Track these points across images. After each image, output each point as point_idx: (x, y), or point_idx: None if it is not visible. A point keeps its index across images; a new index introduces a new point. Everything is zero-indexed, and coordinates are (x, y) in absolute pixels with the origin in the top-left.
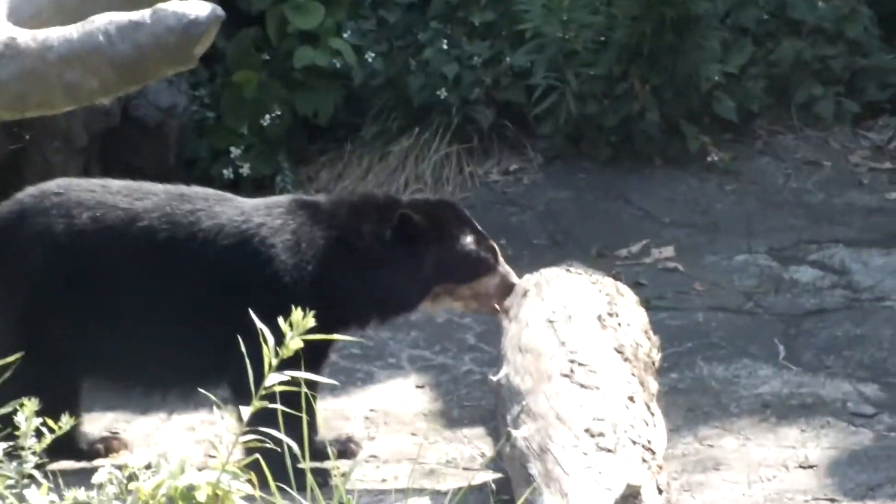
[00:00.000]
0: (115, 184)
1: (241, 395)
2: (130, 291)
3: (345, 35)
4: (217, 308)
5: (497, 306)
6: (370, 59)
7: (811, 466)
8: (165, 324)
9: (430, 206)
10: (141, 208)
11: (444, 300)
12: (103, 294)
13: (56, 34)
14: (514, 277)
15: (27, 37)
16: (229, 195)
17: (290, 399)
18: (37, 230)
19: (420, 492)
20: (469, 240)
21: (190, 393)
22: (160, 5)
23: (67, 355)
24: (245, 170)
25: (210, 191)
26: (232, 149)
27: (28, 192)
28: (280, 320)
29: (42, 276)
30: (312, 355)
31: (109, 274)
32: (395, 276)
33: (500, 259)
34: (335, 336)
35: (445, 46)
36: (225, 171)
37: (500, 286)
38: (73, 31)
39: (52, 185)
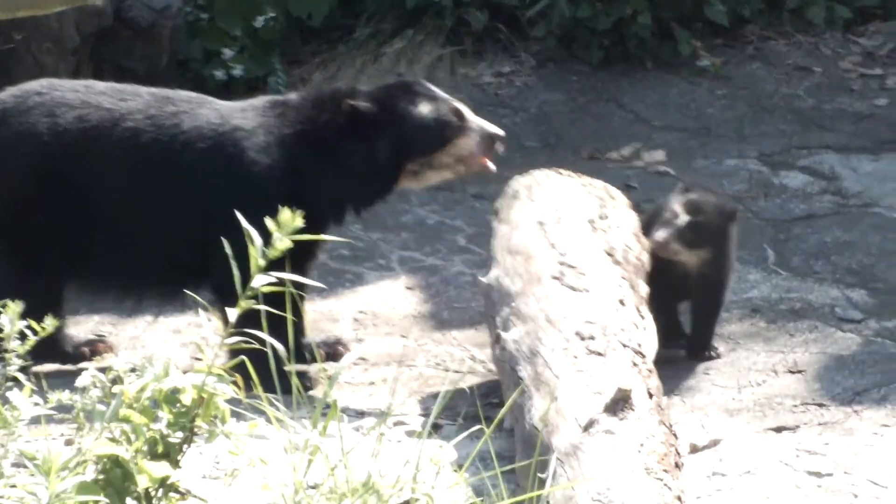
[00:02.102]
0: (100, 85)
1: (224, 297)
2: (113, 191)
3: None
4: (197, 209)
5: (486, 162)
6: None
7: (799, 371)
8: (146, 224)
9: (384, 90)
10: (126, 109)
11: (426, 174)
12: (86, 193)
13: None
14: (491, 127)
15: None
16: (211, 98)
17: (278, 301)
18: (19, 130)
19: (410, 395)
20: (426, 110)
21: (168, 295)
22: None
23: (49, 255)
24: (238, 71)
25: (194, 94)
26: (225, 50)
27: (10, 92)
28: (267, 220)
29: (24, 176)
30: (298, 256)
31: (92, 174)
32: (359, 163)
33: (470, 116)
34: (323, 236)
35: None
36: (217, 73)
37: (480, 142)
38: None
39: (36, 84)
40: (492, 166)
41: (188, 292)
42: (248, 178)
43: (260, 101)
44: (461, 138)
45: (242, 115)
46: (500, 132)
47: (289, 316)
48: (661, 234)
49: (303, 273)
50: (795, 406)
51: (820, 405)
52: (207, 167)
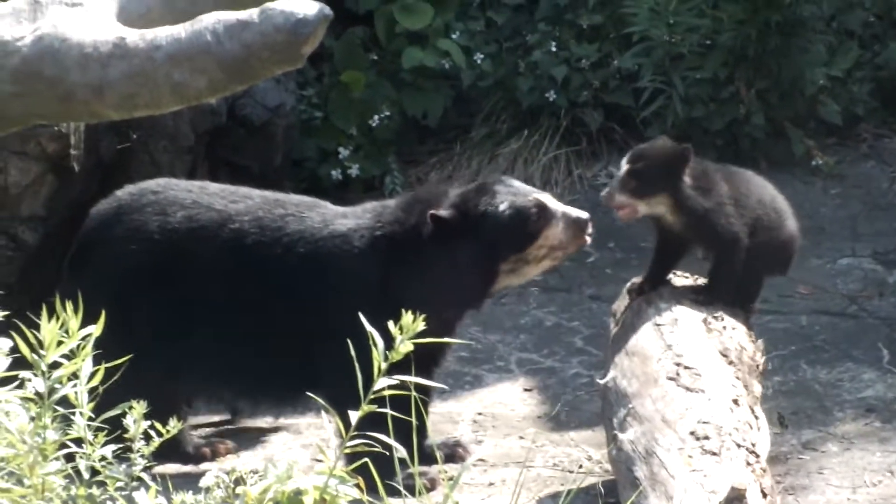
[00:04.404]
0: (214, 186)
1: (338, 401)
2: (219, 292)
3: (453, 36)
4: (298, 314)
5: (583, 241)
6: (479, 61)
7: None
8: (253, 327)
9: (465, 194)
10: (234, 210)
11: (524, 270)
12: (193, 294)
13: (164, 34)
14: (576, 212)
15: (136, 36)
16: (322, 202)
17: (400, 403)
18: (132, 227)
19: (528, 496)
20: (504, 208)
21: (284, 400)
22: (268, 4)
23: (159, 356)
24: (354, 170)
25: (306, 198)
26: (340, 149)
27: (127, 190)
28: (390, 324)
29: (135, 272)
30: (421, 360)
31: (199, 273)
32: (443, 269)
33: (553, 205)
34: (445, 339)
35: (554, 48)
36: (333, 172)
37: (567, 229)
38: (181, 30)
39: (152, 183)
40: (588, 240)
41: (310, 394)
42: (341, 285)
43: (363, 205)
44: (548, 229)
45: (342, 220)
46: (586, 215)
47: (413, 420)
48: (604, 192)
49: (427, 376)
50: None
51: None
52: (306, 272)
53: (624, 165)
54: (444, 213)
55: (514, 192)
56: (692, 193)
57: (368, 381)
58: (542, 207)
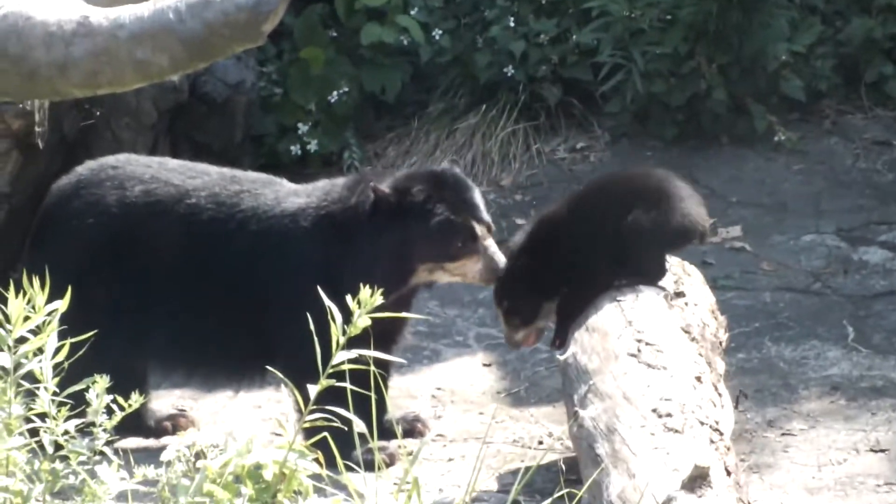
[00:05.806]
0: (173, 162)
1: (295, 374)
2: (174, 267)
3: (412, 12)
4: (254, 290)
5: (491, 282)
6: (437, 37)
7: (882, 450)
8: (209, 301)
9: (412, 181)
10: (192, 186)
11: (439, 274)
12: (149, 268)
13: (128, 13)
14: (499, 257)
15: (100, 15)
16: (278, 180)
17: (358, 377)
18: (90, 201)
19: (488, 472)
20: (436, 221)
21: (235, 374)
22: None
23: (120, 327)
24: (312, 146)
25: (263, 175)
26: (299, 125)
27: (86, 165)
28: (348, 298)
29: (94, 246)
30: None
31: (155, 247)
32: (380, 251)
33: (484, 241)
34: (404, 314)
35: (512, 24)
36: (292, 148)
37: (483, 269)
38: (144, 9)
39: (111, 159)
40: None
41: (270, 368)
42: (289, 264)
43: (314, 184)
44: (466, 259)
45: (294, 198)
46: (502, 264)
47: (372, 394)
48: (506, 339)
49: (386, 351)
50: (879, 486)
51: None
52: (257, 249)
53: (497, 311)
54: (384, 188)
55: (454, 206)
56: (553, 277)
57: (325, 356)
58: (471, 237)
